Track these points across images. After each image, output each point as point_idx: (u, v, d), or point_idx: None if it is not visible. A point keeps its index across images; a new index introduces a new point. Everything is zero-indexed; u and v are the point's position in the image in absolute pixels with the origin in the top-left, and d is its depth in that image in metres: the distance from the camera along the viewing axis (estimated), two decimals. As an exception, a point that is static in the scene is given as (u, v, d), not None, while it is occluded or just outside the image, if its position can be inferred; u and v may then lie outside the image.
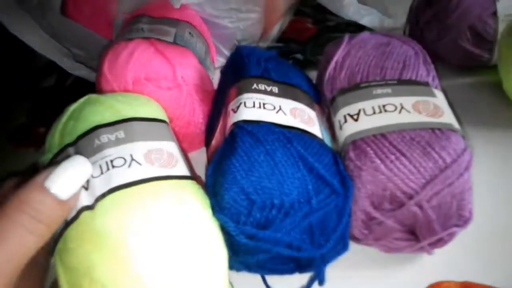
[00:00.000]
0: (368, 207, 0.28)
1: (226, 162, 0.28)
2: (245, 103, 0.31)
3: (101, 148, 0.27)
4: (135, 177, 0.25)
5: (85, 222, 0.24)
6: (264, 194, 0.26)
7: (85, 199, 0.24)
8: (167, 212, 0.24)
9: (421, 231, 0.28)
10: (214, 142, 0.33)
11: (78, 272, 0.23)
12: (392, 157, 0.28)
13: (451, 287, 0.30)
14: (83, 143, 0.28)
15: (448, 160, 0.27)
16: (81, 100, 0.32)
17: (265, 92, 0.32)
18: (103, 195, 0.24)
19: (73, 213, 0.24)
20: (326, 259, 0.28)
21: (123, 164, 0.26)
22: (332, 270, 0.31)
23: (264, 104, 0.31)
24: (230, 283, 0.27)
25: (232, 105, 0.32)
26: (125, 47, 0.38)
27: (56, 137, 0.29)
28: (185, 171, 0.28)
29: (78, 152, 0.27)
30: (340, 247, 0.28)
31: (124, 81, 0.35)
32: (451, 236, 0.28)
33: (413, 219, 0.27)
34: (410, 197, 0.27)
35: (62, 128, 0.30)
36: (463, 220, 0.28)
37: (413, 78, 0.33)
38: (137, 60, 0.36)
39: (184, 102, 0.37)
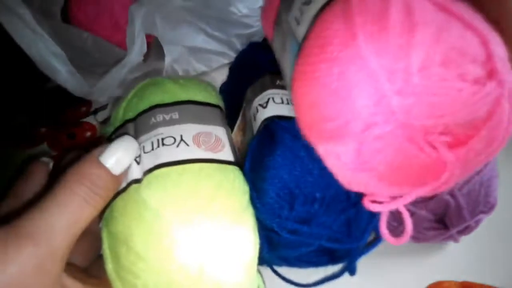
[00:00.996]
0: None
1: (267, 158, 0.28)
2: (273, 98, 0.31)
3: (155, 126, 0.29)
4: (181, 157, 0.27)
5: (131, 194, 0.25)
6: (306, 188, 0.26)
7: (136, 173, 0.26)
8: (205, 193, 0.25)
9: (451, 219, 0.28)
10: (233, 137, 0.32)
11: (118, 239, 0.25)
12: None
13: (451, 287, 0.30)
14: (141, 120, 0.29)
15: None
16: (147, 81, 0.34)
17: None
18: (150, 170, 0.26)
19: (124, 185, 0.26)
20: (361, 251, 0.28)
21: (173, 143, 0.27)
22: (332, 270, 0.31)
23: (289, 99, 0.31)
24: (259, 272, 0.28)
25: (258, 101, 0.32)
26: (385, 2, 0.21)
27: (120, 113, 0.32)
28: (229, 157, 0.28)
29: (136, 128, 0.29)
30: (373, 242, 0.29)
31: (401, 68, 0.19)
32: (478, 222, 0.28)
33: (444, 208, 0.27)
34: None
35: (126, 105, 0.32)
36: (488, 207, 0.28)
37: None
38: (424, 27, 0.20)
39: (505, 108, 0.20)
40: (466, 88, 0.19)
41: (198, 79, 0.36)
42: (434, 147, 0.20)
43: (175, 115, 0.29)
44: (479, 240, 0.32)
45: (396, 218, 0.29)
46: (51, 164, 0.28)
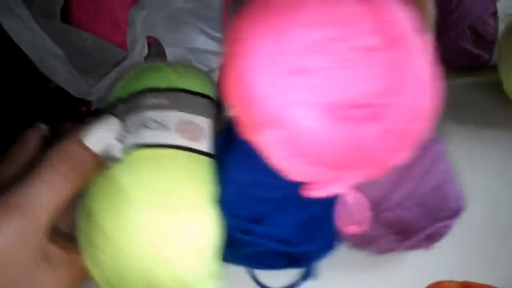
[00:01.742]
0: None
1: (225, 155, 0.28)
2: None
3: (143, 108, 0.29)
4: (159, 141, 0.28)
5: (109, 172, 0.27)
6: (260, 188, 0.26)
7: (117, 152, 0.27)
8: (173, 179, 0.26)
9: (407, 230, 0.28)
10: None
11: (87, 212, 0.26)
12: None
13: (451, 287, 0.30)
14: (132, 102, 0.30)
15: (413, 156, 0.27)
16: (149, 64, 0.35)
17: None
18: (128, 150, 0.27)
19: (108, 164, 0.27)
20: (318, 255, 0.28)
21: (155, 127, 0.28)
22: (332, 270, 0.31)
23: None
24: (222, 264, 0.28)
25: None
26: None
27: (117, 90, 0.33)
28: (206, 148, 0.29)
29: (126, 108, 0.30)
30: (332, 245, 0.29)
31: (291, 49, 0.20)
32: (446, 228, 0.28)
33: (391, 222, 0.27)
34: (380, 203, 0.27)
35: (124, 84, 0.33)
36: (451, 212, 0.28)
37: None
38: (309, 5, 0.20)
39: (418, 68, 0.21)
40: (365, 58, 0.19)
41: (198, 69, 0.37)
42: (356, 121, 0.20)
43: (164, 101, 0.30)
44: (479, 240, 0.32)
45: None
46: (46, 130, 0.30)
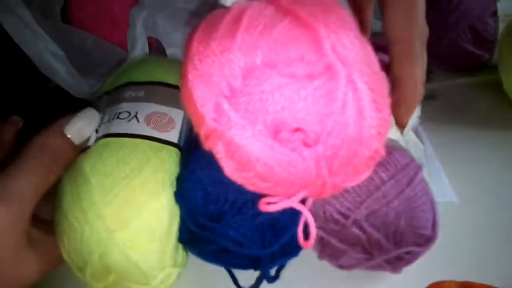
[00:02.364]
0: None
1: (192, 151, 0.29)
2: None
3: (121, 101, 0.31)
4: (126, 130, 0.29)
5: (77, 159, 0.28)
6: (219, 188, 0.27)
7: (92, 141, 0.29)
8: (132, 166, 0.27)
9: (371, 249, 0.27)
10: None
11: (57, 199, 0.28)
12: None
13: (451, 287, 0.30)
14: (114, 94, 0.32)
15: (385, 177, 0.27)
16: (140, 58, 0.37)
17: None
18: (98, 139, 0.29)
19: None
20: (274, 260, 0.28)
21: (126, 118, 0.30)
22: (332, 270, 0.31)
23: None
24: (184, 252, 0.30)
25: None
26: (224, 14, 0.22)
27: (106, 85, 0.34)
28: (174, 139, 0.30)
29: (108, 101, 0.32)
30: (289, 251, 0.29)
31: (227, 71, 0.21)
32: (414, 255, 0.27)
33: (357, 238, 0.27)
34: (346, 218, 0.26)
35: (112, 78, 0.35)
36: (423, 239, 0.27)
37: None
38: (247, 31, 0.21)
39: (343, 99, 0.20)
40: (293, 84, 0.20)
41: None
42: (289, 146, 0.21)
43: (141, 94, 0.32)
44: (479, 240, 0.32)
45: (322, 244, 0.29)
46: (20, 123, 0.32)
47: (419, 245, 0.27)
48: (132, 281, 0.28)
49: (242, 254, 0.28)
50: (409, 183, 0.27)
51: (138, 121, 0.30)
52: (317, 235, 0.27)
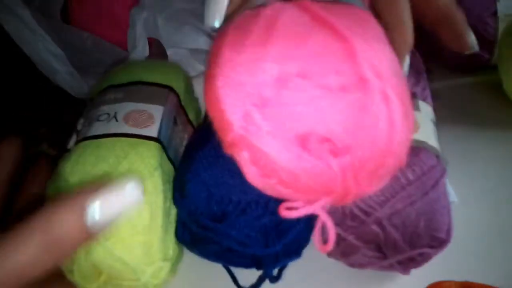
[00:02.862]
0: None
1: (195, 152, 0.29)
2: None
3: (101, 104, 0.32)
4: (105, 131, 0.30)
5: (60, 164, 0.29)
6: (223, 189, 0.27)
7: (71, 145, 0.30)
8: (109, 163, 0.28)
9: (386, 248, 0.27)
10: None
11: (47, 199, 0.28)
12: None
13: (451, 287, 0.30)
14: (96, 99, 0.33)
15: (412, 177, 0.27)
16: (122, 65, 0.37)
17: None
18: (77, 142, 0.30)
19: None
20: (277, 260, 0.28)
21: (105, 119, 0.31)
22: (332, 269, 0.31)
23: None
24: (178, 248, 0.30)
25: None
26: (255, 18, 0.22)
27: (93, 90, 0.35)
28: (153, 133, 0.30)
29: (90, 106, 0.33)
30: (293, 251, 0.29)
31: (260, 80, 0.21)
32: (425, 257, 0.27)
33: (374, 236, 0.27)
34: (368, 215, 0.26)
35: (98, 84, 0.35)
36: (437, 241, 0.27)
37: None
38: (282, 40, 0.21)
39: (377, 113, 0.20)
40: (326, 97, 0.20)
41: (168, 62, 0.39)
42: (317, 155, 0.20)
43: (120, 95, 0.32)
44: (479, 240, 0.32)
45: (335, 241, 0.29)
46: (19, 144, 0.28)
47: (432, 247, 0.27)
48: (122, 278, 0.28)
49: (245, 254, 0.28)
50: (434, 186, 0.27)
51: (117, 120, 0.30)
52: (336, 232, 0.27)
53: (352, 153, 0.20)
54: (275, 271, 0.30)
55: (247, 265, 0.29)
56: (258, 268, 0.29)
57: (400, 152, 0.21)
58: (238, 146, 0.22)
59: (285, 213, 0.23)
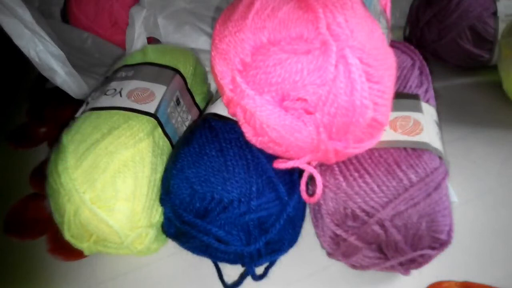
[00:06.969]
0: (330, 223, 0.28)
1: (181, 148, 0.30)
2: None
3: (112, 80, 0.34)
4: (107, 104, 0.32)
5: (63, 133, 0.31)
6: (206, 187, 0.28)
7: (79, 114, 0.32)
8: (102, 132, 0.30)
9: (388, 250, 0.27)
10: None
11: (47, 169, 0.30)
12: (356, 174, 0.27)
13: (451, 287, 0.30)
14: (112, 76, 0.35)
15: (415, 179, 0.27)
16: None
17: None
18: (83, 112, 0.32)
19: None
20: (260, 257, 0.28)
21: (111, 94, 0.33)
22: (332, 269, 0.31)
23: None
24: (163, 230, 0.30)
25: (216, 97, 0.34)
26: None
27: (110, 70, 0.37)
28: (150, 109, 0.32)
29: (103, 82, 0.36)
30: (276, 248, 0.29)
31: (240, 48, 0.25)
32: (426, 258, 0.28)
33: (376, 237, 0.27)
34: (370, 216, 0.26)
35: (116, 65, 0.38)
36: (439, 243, 0.27)
37: (401, 90, 0.32)
38: (257, 14, 0.25)
39: (334, 72, 0.23)
40: (291, 59, 0.23)
41: (182, 48, 0.41)
42: (293, 113, 0.24)
43: (130, 73, 0.35)
44: (479, 240, 0.32)
45: (335, 242, 0.29)
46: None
47: (433, 248, 0.27)
48: (108, 240, 0.30)
49: (227, 250, 0.28)
50: (436, 188, 0.27)
51: (121, 95, 0.32)
52: (333, 232, 0.28)
53: (320, 110, 0.24)
54: (260, 269, 0.30)
55: (231, 261, 0.29)
56: (242, 265, 0.30)
57: (366, 110, 0.24)
58: (231, 106, 0.26)
59: (278, 165, 0.28)
